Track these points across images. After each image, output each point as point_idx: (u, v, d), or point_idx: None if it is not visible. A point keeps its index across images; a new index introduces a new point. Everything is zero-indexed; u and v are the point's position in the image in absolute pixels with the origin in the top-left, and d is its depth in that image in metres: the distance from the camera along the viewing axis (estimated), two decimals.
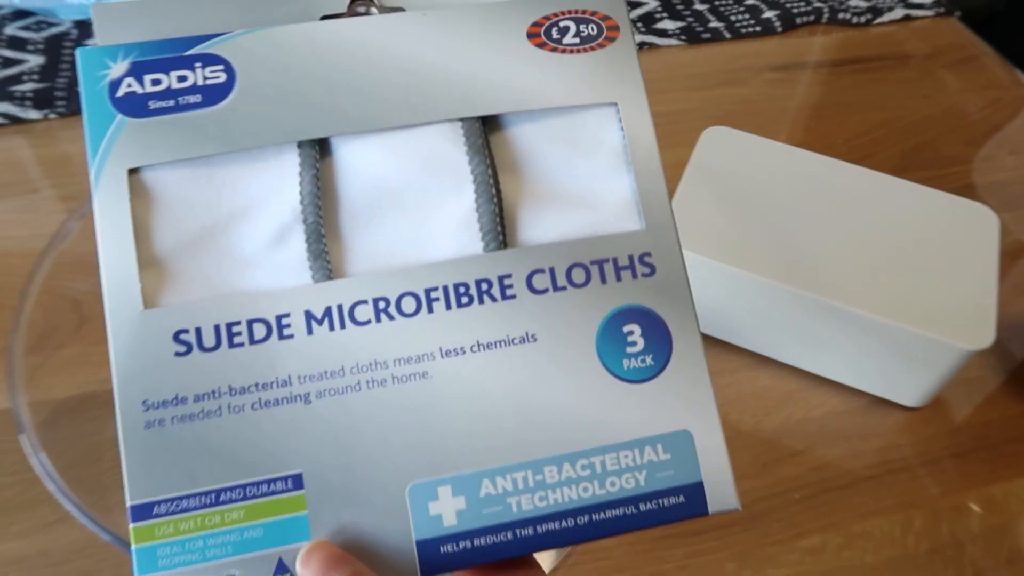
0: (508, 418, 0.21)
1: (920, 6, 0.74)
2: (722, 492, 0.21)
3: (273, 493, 0.20)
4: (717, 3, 0.74)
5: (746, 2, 0.74)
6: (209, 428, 0.20)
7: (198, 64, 0.22)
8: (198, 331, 0.21)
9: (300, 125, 0.22)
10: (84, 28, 0.66)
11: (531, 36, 0.23)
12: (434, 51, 0.23)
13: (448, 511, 0.20)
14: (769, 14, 0.72)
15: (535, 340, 0.21)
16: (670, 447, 0.21)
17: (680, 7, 0.73)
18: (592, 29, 0.23)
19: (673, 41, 0.69)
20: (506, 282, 0.21)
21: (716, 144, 0.50)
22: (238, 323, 0.21)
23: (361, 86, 0.22)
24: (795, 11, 0.72)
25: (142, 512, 0.20)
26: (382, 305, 0.21)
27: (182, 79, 0.22)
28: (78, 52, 0.22)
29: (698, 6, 0.73)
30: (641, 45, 0.69)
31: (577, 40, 0.23)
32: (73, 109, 0.59)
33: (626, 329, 0.21)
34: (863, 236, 0.45)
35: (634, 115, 0.23)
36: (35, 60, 0.63)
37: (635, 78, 0.23)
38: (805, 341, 0.45)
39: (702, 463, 0.21)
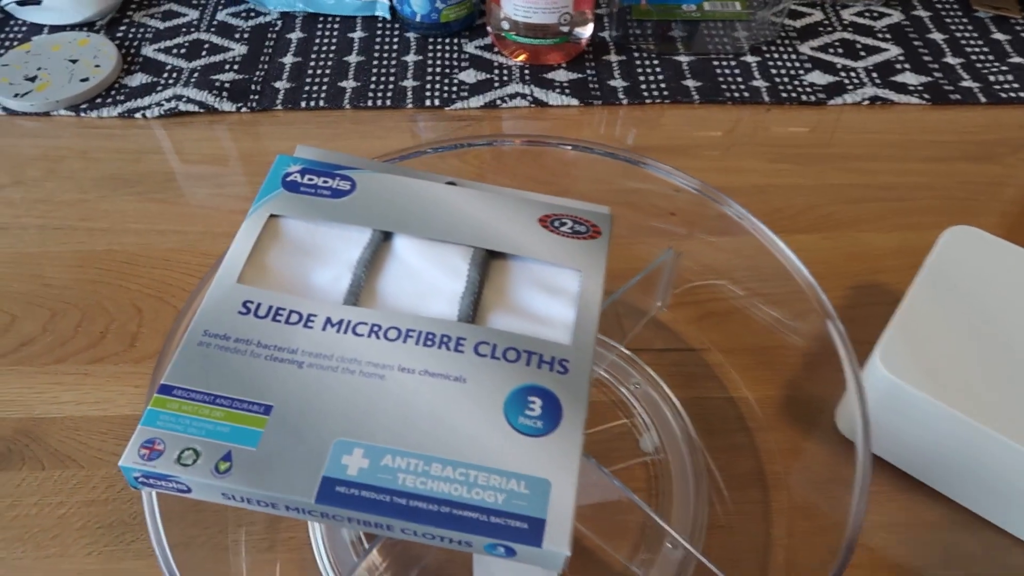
0: (423, 422, 0.28)
1: None
2: (558, 536, 0.26)
3: (248, 410, 0.28)
4: (973, 58, 0.63)
5: (1011, 59, 0.63)
6: (233, 359, 0.29)
7: (339, 176, 0.36)
8: (258, 304, 0.31)
9: (379, 221, 0.35)
10: (288, 19, 0.66)
11: (541, 220, 0.35)
12: (479, 210, 0.35)
13: (354, 465, 0.27)
14: None
15: (464, 381, 0.29)
16: (531, 486, 0.27)
17: (927, 58, 0.63)
18: (582, 228, 0.35)
19: (914, 99, 0.60)
20: (461, 342, 0.30)
21: (961, 248, 0.41)
22: (284, 309, 0.31)
23: (421, 213, 0.35)
24: None
25: (166, 390, 0.28)
26: (375, 328, 0.31)
27: (325, 181, 0.36)
28: (278, 158, 0.36)
29: (949, 59, 0.63)
30: (873, 100, 0.60)
31: (571, 231, 0.35)
32: (265, 106, 0.59)
33: (530, 399, 0.29)
34: None
35: (590, 280, 0.33)
36: (239, 49, 0.64)
37: (599, 262, 0.34)
38: None
39: (550, 508, 0.26)
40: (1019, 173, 0.55)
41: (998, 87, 0.60)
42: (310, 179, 0.36)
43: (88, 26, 0.65)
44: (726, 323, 0.46)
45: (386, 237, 0.35)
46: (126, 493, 0.40)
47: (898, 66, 0.62)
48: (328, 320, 0.31)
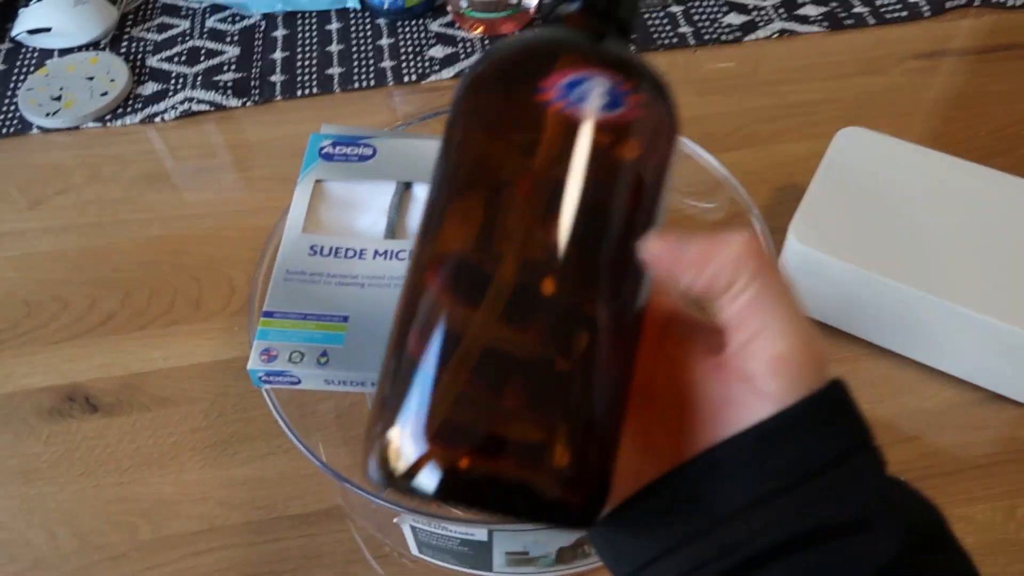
0: None
1: None
2: None
3: (331, 320, 0.38)
4: None
5: None
6: (312, 287, 0.40)
7: (362, 145, 0.46)
8: (322, 247, 0.41)
9: (400, 174, 0.45)
10: (270, 20, 0.75)
11: None
12: None
13: None
14: None
15: None
16: None
17: None
18: None
19: (815, 28, 0.70)
20: None
21: (850, 144, 0.53)
22: (341, 248, 0.41)
23: (430, 163, 0.44)
24: None
25: (268, 314, 0.39)
26: None
27: (352, 150, 0.46)
28: (311, 136, 0.46)
29: None
30: (781, 33, 0.70)
31: None
32: (266, 98, 0.68)
33: None
34: (988, 239, 0.47)
35: None
36: (232, 51, 0.72)
37: None
38: (923, 336, 0.48)
39: None
40: (903, 81, 0.66)
41: (884, 10, 0.72)
42: (340, 149, 0.46)
43: (93, 46, 0.73)
44: (677, 229, 0.57)
45: (407, 187, 0.45)
46: (222, 419, 0.50)
47: (800, 1, 0.73)
48: (376, 251, 0.41)
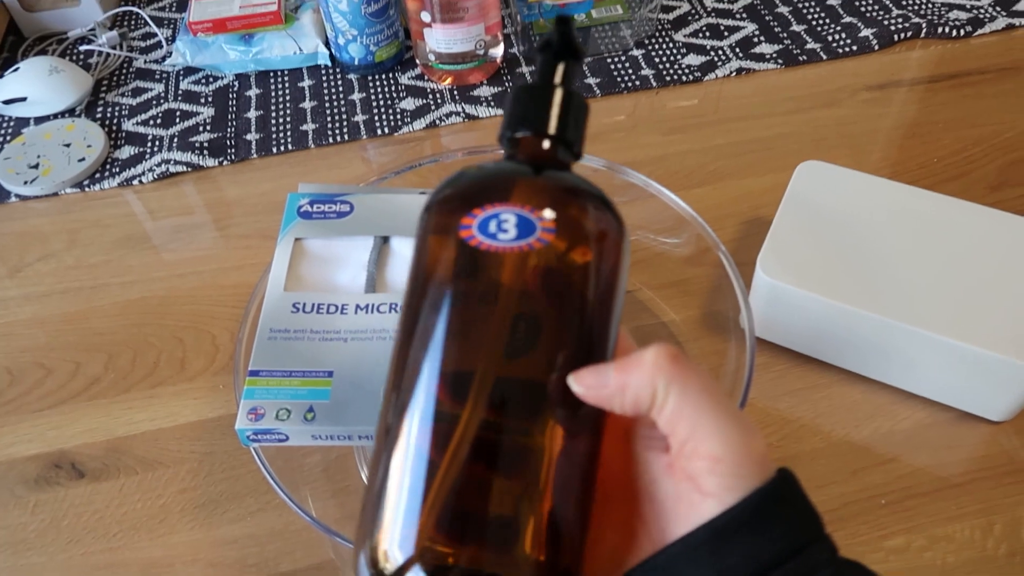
0: None
1: None
2: None
3: (316, 376, 0.39)
4: (814, 23, 0.77)
5: (843, 20, 0.77)
6: (296, 344, 0.40)
7: (339, 202, 0.47)
8: (304, 304, 0.42)
9: (377, 229, 0.46)
10: (243, 79, 0.77)
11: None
12: None
13: None
14: (866, 32, 0.75)
15: None
16: None
17: (777, 30, 0.77)
18: None
19: (770, 65, 0.73)
20: None
21: (810, 177, 0.55)
22: (323, 304, 0.42)
23: (407, 218, 0.45)
24: (893, 28, 0.75)
25: (254, 373, 0.39)
26: (393, 306, 0.42)
27: (330, 207, 0.47)
28: (289, 196, 0.47)
29: (795, 27, 0.77)
30: (739, 71, 0.73)
31: None
32: (242, 156, 0.70)
33: None
34: (949, 264, 0.49)
35: None
36: (207, 112, 0.74)
37: None
38: (894, 360, 0.50)
39: None
40: (857, 112, 0.69)
41: (835, 45, 0.75)
42: (318, 207, 0.47)
43: (69, 112, 0.75)
44: (650, 267, 0.59)
45: (385, 240, 0.46)
46: (210, 479, 0.50)
47: (755, 40, 0.76)
48: (357, 306, 0.42)
